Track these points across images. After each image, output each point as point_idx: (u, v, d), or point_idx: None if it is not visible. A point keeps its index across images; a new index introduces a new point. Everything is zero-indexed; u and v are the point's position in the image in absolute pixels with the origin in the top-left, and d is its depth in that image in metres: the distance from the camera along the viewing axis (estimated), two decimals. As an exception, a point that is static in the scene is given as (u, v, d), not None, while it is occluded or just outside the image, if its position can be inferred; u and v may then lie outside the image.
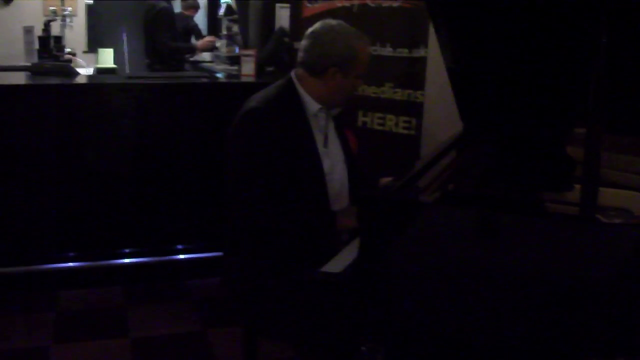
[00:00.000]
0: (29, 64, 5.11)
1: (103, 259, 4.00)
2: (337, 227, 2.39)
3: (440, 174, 2.43)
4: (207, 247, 4.12)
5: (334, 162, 2.54)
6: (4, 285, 3.81)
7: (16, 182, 3.80)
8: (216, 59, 6.16)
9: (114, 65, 6.54)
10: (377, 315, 1.98)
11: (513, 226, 1.88)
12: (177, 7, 7.45)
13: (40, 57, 5.47)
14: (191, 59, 6.84)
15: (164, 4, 6.53)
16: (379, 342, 1.94)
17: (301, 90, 2.47)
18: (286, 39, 4.64)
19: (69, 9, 7.47)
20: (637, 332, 1.79)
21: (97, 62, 6.55)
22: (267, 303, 2.37)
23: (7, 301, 3.73)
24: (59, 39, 5.97)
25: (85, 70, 5.75)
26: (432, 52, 3.60)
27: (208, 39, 6.88)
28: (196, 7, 7.67)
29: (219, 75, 5.04)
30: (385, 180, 2.54)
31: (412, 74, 3.78)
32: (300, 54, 2.48)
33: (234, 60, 5.17)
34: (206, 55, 6.93)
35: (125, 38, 7.28)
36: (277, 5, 4.87)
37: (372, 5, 3.88)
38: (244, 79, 4.43)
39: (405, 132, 3.86)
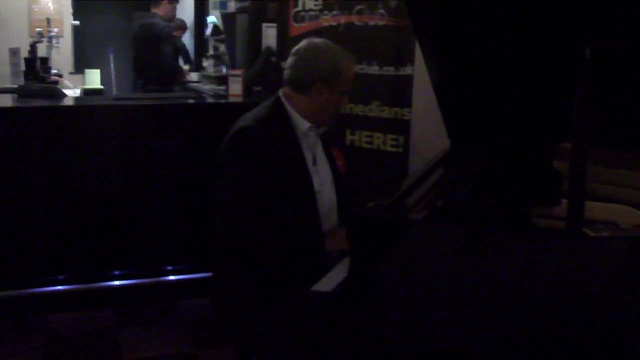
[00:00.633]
0: (15, 85, 5.10)
1: (93, 281, 3.98)
2: (325, 248, 2.39)
3: (428, 190, 2.44)
4: (197, 268, 4.11)
5: (323, 180, 2.55)
6: (-8, 310, 3.79)
7: (3, 204, 3.78)
8: (203, 79, 6.16)
9: (101, 86, 6.54)
10: (368, 332, 1.98)
11: (501, 241, 1.89)
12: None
13: (26, 78, 5.46)
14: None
15: (162, 23, 6.59)
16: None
17: (290, 109, 2.48)
18: (273, 59, 4.66)
19: (55, 30, 7.46)
20: (626, 344, 1.80)
21: (84, 83, 6.56)
22: (258, 323, 2.37)
23: (-4, 326, 3.71)
24: (45, 60, 5.96)
25: (72, 92, 5.75)
26: (419, 70, 3.62)
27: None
28: (184, 28, 7.70)
29: (206, 92, 5.05)
30: (372, 204, 2.55)
31: (399, 92, 3.80)
32: (285, 72, 2.50)
33: (222, 80, 5.18)
34: (193, 75, 6.95)
35: (112, 58, 7.29)
36: (264, 25, 4.89)
37: (359, 24, 3.90)
38: (231, 99, 4.44)
39: (393, 149, 3.88)
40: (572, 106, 1.92)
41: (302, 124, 2.49)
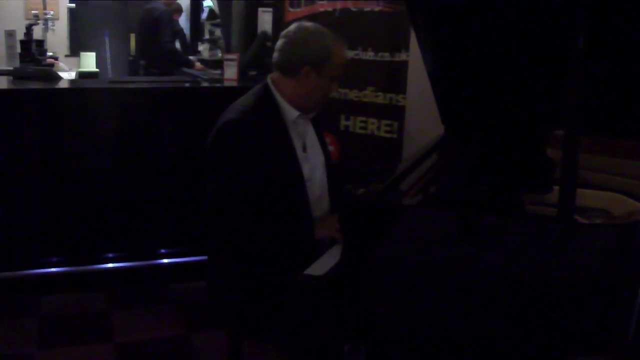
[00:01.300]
0: (11, 68, 5.08)
1: (86, 263, 3.98)
2: (316, 237, 2.39)
3: (422, 176, 2.45)
4: (191, 251, 4.12)
5: (313, 166, 2.54)
6: (-14, 291, 3.80)
7: (-2, 187, 3.78)
8: (199, 62, 6.17)
9: (96, 69, 6.52)
10: (360, 315, 1.99)
11: (494, 228, 1.90)
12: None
13: (22, 61, 5.43)
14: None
15: (162, 7, 6.70)
16: (360, 342, 1.96)
17: (278, 97, 2.46)
18: (269, 43, 4.65)
19: (51, 12, 7.42)
20: (616, 329, 1.82)
21: (79, 65, 6.53)
22: (251, 306, 2.38)
23: (-11, 307, 3.72)
24: (41, 43, 5.94)
25: (67, 74, 5.73)
26: (414, 56, 3.62)
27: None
28: (180, 11, 7.70)
29: (201, 76, 5.05)
30: (362, 191, 2.56)
31: (394, 78, 3.80)
32: (274, 55, 2.47)
33: (217, 64, 5.17)
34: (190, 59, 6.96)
35: (107, 41, 7.26)
36: (260, 9, 4.88)
37: (354, 9, 3.90)
38: (226, 83, 4.44)
39: (387, 135, 3.88)
40: (566, 94, 1.93)
41: (291, 113, 2.46)
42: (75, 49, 8.48)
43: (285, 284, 2.28)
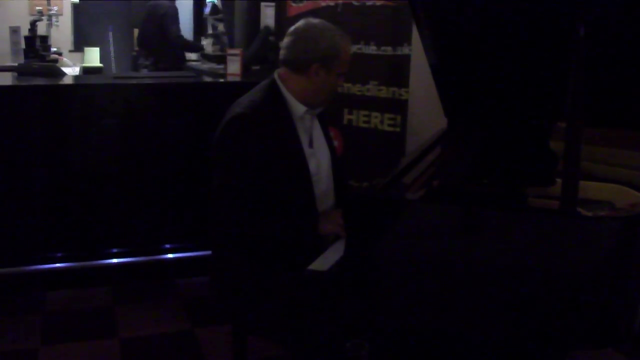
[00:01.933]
0: (15, 64, 5.10)
1: (90, 259, 3.99)
2: (320, 232, 2.39)
3: (425, 170, 2.45)
4: (195, 246, 4.13)
5: (319, 161, 2.55)
6: (-9, 287, 3.81)
7: (2, 183, 3.78)
8: (202, 58, 6.17)
9: (100, 65, 6.53)
10: (363, 311, 1.99)
11: (497, 221, 1.90)
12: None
13: (26, 57, 5.46)
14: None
15: (167, 3, 6.81)
16: (363, 338, 1.96)
17: (285, 93, 2.46)
18: (271, 38, 4.65)
19: (55, 8, 7.43)
20: (622, 322, 1.81)
21: (83, 61, 6.54)
22: (255, 301, 2.39)
23: (-6, 303, 3.73)
24: (45, 39, 5.95)
25: (71, 70, 5.74)
26: (416, 50, 3.61)
27: None
28: None
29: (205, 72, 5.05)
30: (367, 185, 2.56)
31: (396, 72, 3.80)
32: (282, 52, 2.47)
33: (220, 59, 5.17)
34: (192, 54, 6.96)
35: (111, 37, 7.27)
36: (262, 4, 4.87)
37: (356, 3, 3.89)
38: (230, 79, 4.44)
39: (391, 129, 3.88)
40: (568, 85, 1.93)
41: (298, 108, 2.47)
42: (79, 44, 8.49)
43: (288, 279, 2.28)
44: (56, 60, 5.77)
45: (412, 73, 3.73)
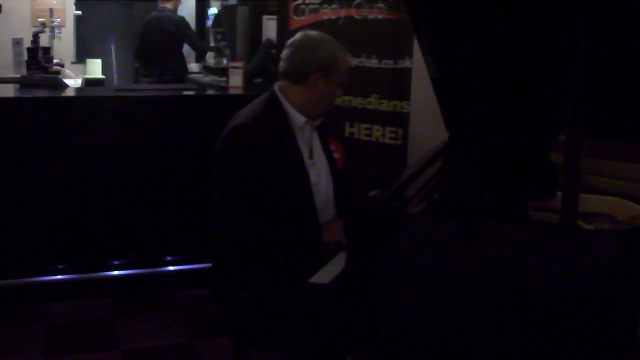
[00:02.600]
0: (17, 75, 5.12)
1: (92, 271, 3.99)
2: (322, 240, 2.41)
3: (426, 183, 2.45)
4: (196, 259, 4.13)
5: (320, 173, 2.57)
6: (-8, 298, 3.81)
7: (4, 194, 3.79)
8: (204, 70, 6.19)
9: (102, 76, 6.57)
10: (365, 324, 1.99)
11: (498, 235, 1.90)
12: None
13: (28, 68, 5.48)
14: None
15: (172, 15, 6.82)
16: (365, 351, 1.96)
17: (285, 104, 2.49)
18: (273, 51, 4.67)
19: (58, 19, 7.48)
20: (621, 336, 1.81)
21: (85, 72, 6.57)
22: (256, 314, 2.39)
23: (-5, 314, 3.73)
24: (47, 50, 5.98)
25: (73, 82, 5.76)
26: (417, 63, 3.62)
27: None
28: None
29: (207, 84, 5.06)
30: (373, 193, 2.57)
31: (398, 85, 3.81)
32: (281, 64, 2.51)
33: (222, 71, 5.19)
34: (194, 67, 6.98)
35: (113, 48, 7.31)
36: (265, 17, 4.90)
37: (358, 17, 3.91)
38: (231, 91, 4.45)
39: (392, 142, 3.89)
40: (568, 98, 1.93)
41: (298, 119, 2.50)
42: (82, 56, 8.54)
43: (290, 291, 2.29)
44: (58, 72, 5.80)
45: (413, 86, 3.74)
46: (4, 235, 3.83)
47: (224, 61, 5.41)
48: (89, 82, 6.02)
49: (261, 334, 2.42)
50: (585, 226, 2.09)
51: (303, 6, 4.16)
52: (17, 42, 5.70)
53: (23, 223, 3.85)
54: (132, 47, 7.78)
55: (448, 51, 2.51)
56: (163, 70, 6.70)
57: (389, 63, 3.83)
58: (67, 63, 7.59)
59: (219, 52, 5.62)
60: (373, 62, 3.87)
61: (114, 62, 7.18)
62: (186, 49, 7.14)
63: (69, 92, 4.39)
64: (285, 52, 2.50)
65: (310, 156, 2.55)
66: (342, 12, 3.98)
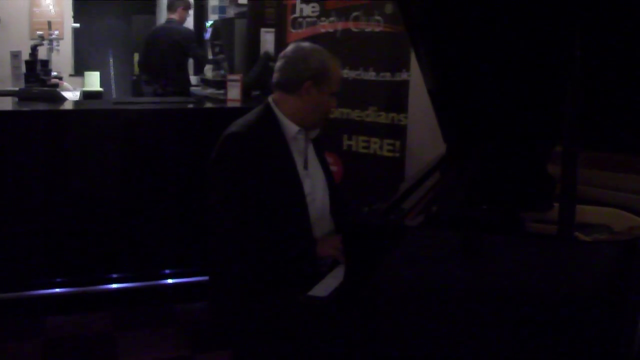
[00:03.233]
0: (16, 88, 5.13)
1: (90, 284, 3.99)
2: (317, 254, 2.41)
3: (424, 196, 2.46)
4: (195, 271, 4.12)
5: (315, 184, 2.58)
6: (-9, 312, 3.81)
7: (2, 207, 3.80)
8: (202, 83, 6.21)
9: (101, 89, 6.57)
10: (362, 337, 1.99)
11: (496, 247, 1.91)
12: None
13: (27, 81, 5.50)
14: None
15: (184, 27, 6.85)
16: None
17: (279, 114, 2.52)
18: (271, 64, 4.68)
19: (56, 32, 7.50)
20: (620, 347, 1.81)
21: (83, 85, 6.58)
22: (253, 326, 2.39)
23: (-6, 328, 3.72)
24: (45, 63, 6.00)
25: (71, 94, 5.78)
26: (414, 76, 3.64)
27: None
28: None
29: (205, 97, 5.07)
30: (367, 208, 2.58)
31: (395, 98, 3.82)
32: (275, 76, 2.56)
33: (220, 84, 5.21)
34: (192, 79, 7.00)
35: (111, 60, 7.32)
36: (262, 30, 4.92)
37: (355, 30, 3.93)
38: (230, 104, 4.47)
39: (390, 154, 3.90)
40: (564, 109, 1.94)
41: (291, 128, 2.52)
42: (80, 68, 8.56)
43: (287, 304, 2.29)
44: (57, 85, 5.82)
45: (410, 99, 3.75)
46: (1, 248, 3.83)
47: (222, 73, 5.43)
48: (87, 95, 6.03)
49: (259, 347, 2.42)
50: (582, 237, 2.10)
51: (301, 19, 4.18)
52: (15, 55, 5.72)
53: (21, 236, 3.84)
54: (130, 59, 7.79)
55: (445, 63, 2.52)
56: (168, 81, 6.69)
57: (386, 76, 3.85)
58: (65, 76, 7.61)
59: (217, 64, 5.63)
60: (371, 75, 3.89)
61: (112, 74, 7.20)
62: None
63: (68, 105, 4.39)
64: (278, 64, 2.56)
65: (305, 167, 2.57)
66: (340, 25, 4.00)
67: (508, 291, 1.83)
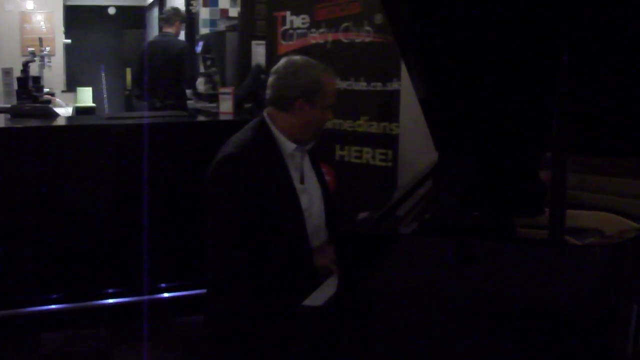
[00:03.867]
0: (8, 105, 5.14)
1: (87, 299, 3.98)
2: (314, 265, 2.42)
3: (416, 204, 2.47)
4: (191, 285, 4.12)
5: (311, 197, 2.58)
6: (-13, 330, 3.79)
7: (-3, 224, 3.80)
8: (194, 96, 6.21)
9: (93, 104, 6.57)
10: (358, 346, 2.00)
11: (488, 252, 1.92)
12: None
13: (19, 98, 5.50)
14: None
15: (180, 40, 6.79)
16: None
17: (275, 131, 2.51)
18: (263, 76, 4.70)
19: (47, 48, 7.50)
20: (612, 350, 1.83)
21: (76, 101, 6.59)
22: (250, 339, 2.39)
23: (-10, 345, 3.70)
24: (37, 80, 6.00)
25: (64, 110, 5.78)
26: (405, 85, 3.65)
27: None
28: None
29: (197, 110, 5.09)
30: (363, 215, 2.58)
31: (387, 107, 3.84)
32: (267, 92, 2.53)
33: (212, 97, 5.22)
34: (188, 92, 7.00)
35: (103, 76, 7.32)
36: (253, 42, 4.94)
37: (346, 41, 3.95)
38: (222, 117, 4.48)
39: (382, 164, 3.91)
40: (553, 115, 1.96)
41: (288, 146, 2.51)
42: (72, 84, 8.57)
43: (283, 315, 2.29)
44: (49, 101, 5.82)
45: (402, 108, 3.76)
46: (-3, 265, 3.82)
47: (214, 87, 5.45)
48: (79, 111, 6.03)
49: (256, 359, 2.42)
50: (574, 241, 2.11)
51: (291, 31, 4.20)
52: (6, 72, 5.73)
53: (16, 253, 3.84)
54: (122, 74, 7.79)
55: (434, 72, 2.53)
56: (166, 94, 6.68)
57: (377, 85, 3.86)
58: (57, 92, 7.62)
59: (208, 78, 5.65)
60: (362, 85, 3.91)
61: (104, 90, 7.20)
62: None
63: (60, 121, 4.40)
64: (270, 80, 2.53)
65: (302, 182, 2.56)
66: (330, 36, 4.01)
67: (501, 296, 1.84)
